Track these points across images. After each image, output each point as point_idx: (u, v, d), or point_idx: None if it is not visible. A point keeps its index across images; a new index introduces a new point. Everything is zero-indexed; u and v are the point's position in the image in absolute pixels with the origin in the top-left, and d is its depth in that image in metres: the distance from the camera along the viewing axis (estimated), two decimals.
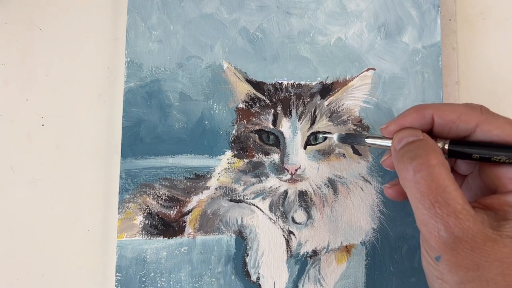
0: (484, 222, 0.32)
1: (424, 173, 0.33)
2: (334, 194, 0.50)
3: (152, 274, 0.48)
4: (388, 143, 0.41)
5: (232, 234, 0.49)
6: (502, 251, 0.31)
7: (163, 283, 0.48)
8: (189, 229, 0.49)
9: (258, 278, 0.49)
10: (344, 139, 0.47)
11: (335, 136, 0.47)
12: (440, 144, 0.37)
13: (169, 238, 0.49)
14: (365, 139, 0.44)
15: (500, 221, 0.32)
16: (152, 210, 0.49)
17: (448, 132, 0.37)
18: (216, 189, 0.50)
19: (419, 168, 0.33)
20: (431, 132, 0.38)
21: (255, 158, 0.50)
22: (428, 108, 0.38)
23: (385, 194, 0.44)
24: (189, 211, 0.50)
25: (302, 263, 0.50)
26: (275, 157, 0.50)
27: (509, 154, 0.34)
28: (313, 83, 0.52)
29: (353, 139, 0.46)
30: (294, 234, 0.50)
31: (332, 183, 0.50)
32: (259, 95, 0.51)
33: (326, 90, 0.51)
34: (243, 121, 0.51)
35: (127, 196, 0.49)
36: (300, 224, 0.50)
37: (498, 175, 0.36)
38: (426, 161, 0.33)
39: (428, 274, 0.35)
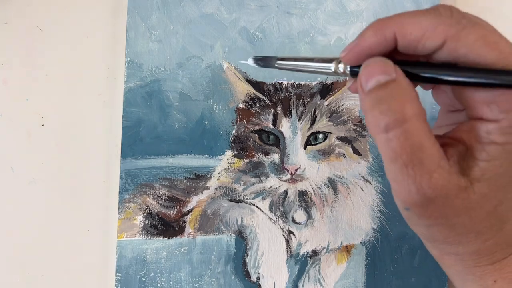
0: (458, 171, 0.30)
1: (397, 131, 0.29)
2: (334, 194, 0.50)
3: (152, 274, 0.48)
4: (320, 66, 0.34)
5: (232, 234, 0.49)
6: (471, 198, 0.29)
7: (163, 283, 0.48)
8: (189, 229, 0.49)
9: (258, 278, 0.49)
10: (257, 61, 0.39)
11: (250, 61, 0.39)
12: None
13: (169, 238, 0.49)
14: (277, 61, 0.36)
15: (469, 161, 0.30)
16: (152, 210, 0.49)
17: (414, 51, 0.32)
18: (216, 189, 0.50)
19: (392, 125, 0.29)
20: (396, 50, 0.33)
21: (255, 158, 0.50)
22: (389, 26, 0.32)
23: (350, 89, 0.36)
24: (189, 211, 0.50)
25: (302, 263, 0.50)
26: (275, 157, 0.50)
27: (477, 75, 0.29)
28: (313, 83, 0.52)
29: (265, 62, 0.38)
30: (294, 234, 0.50)
31: (332, 183, 0.50)
32: (259, 95, 0.51)
33: (326, 90, 0.51)
34: (243, 121, 0.51)
35: (127, 196, 0.49)
36: (300, 224, 0.50)
37: (466, 96, 0.31)
38: (401, 116, 0.29)
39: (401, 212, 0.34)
